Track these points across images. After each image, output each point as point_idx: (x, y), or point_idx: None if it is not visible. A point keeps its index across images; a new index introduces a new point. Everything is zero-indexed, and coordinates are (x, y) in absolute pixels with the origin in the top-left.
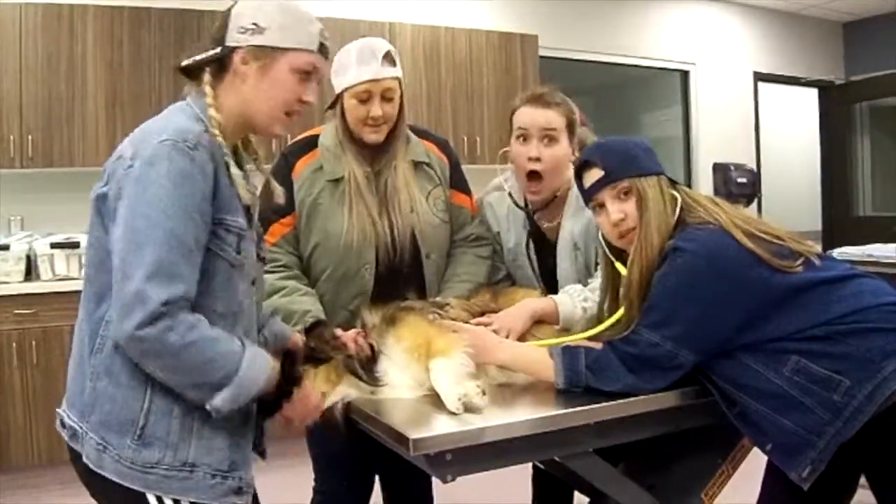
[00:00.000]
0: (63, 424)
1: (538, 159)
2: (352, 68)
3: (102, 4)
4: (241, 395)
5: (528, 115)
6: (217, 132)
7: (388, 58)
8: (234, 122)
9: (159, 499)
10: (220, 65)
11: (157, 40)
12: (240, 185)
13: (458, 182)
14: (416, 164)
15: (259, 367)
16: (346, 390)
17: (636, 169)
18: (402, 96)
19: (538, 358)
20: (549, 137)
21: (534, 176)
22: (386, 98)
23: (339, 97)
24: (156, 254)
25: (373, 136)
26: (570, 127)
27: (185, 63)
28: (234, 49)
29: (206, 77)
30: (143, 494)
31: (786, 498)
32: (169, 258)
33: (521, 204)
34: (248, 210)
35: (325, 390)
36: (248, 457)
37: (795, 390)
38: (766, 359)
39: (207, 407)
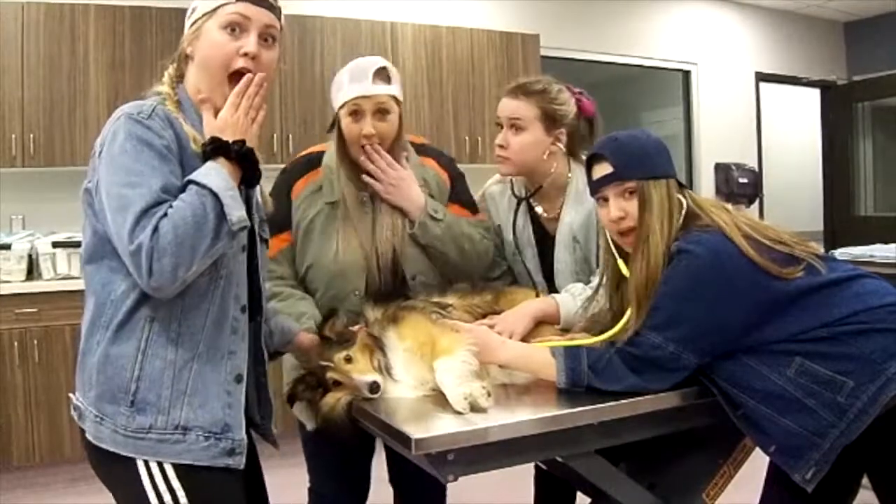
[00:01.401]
0: (74, 407)
1: (502, 146)
2: (345, 86)
3: (104, 4)
4: (228, 196)
5: (501, 105)
6: (168, 103)
7: (381, 74)
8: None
9: (146, 464)
10: (185, 59)
11: (158, 39)
12: (192, 140)
13: (458, 195)
14: None
15: (208, 168)
16: (377, 377)
17: (644, 171)
18: (400, 116)
19: (540, 357)
20: (515, 126)
21: (500, 159)
22: (379, 115)
23: (337, 116)
24: (135, 211)
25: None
26: (546, 117)
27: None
28: (185, 43)
29: (169, 69)
30: (135, 460)
31: (788, 499)
32: (146, 211)
33: (521, 195)
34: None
35: (374, 377)
36: (241, 419)
37: (799, 392)
38: (769, 360)
39: (234, 228)
